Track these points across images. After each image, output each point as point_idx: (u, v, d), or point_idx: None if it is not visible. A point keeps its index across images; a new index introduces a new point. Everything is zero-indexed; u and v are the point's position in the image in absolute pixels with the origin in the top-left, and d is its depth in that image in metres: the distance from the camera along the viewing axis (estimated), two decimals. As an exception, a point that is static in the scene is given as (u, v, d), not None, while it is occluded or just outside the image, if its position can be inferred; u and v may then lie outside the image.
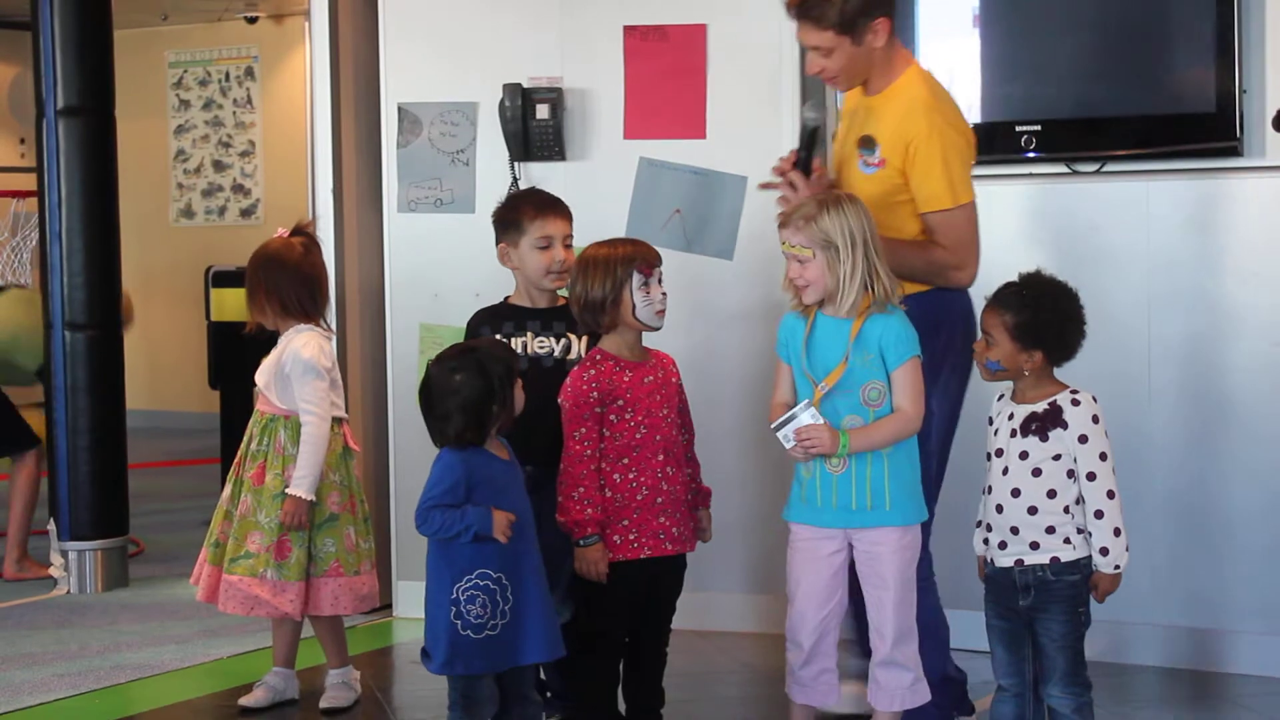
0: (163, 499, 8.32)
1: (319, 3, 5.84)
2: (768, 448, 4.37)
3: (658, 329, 4.13)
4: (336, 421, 4.66)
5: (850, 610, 4.03)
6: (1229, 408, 4.91)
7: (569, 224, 4.35)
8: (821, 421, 3.83)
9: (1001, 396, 3.88)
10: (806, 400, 3.87)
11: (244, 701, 4.71)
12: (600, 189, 5.44)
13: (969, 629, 4.37)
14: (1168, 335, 4.98)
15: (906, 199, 4.13)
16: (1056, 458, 3.73)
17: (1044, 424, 3.74)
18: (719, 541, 4.38)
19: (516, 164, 5.57)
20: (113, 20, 6.37)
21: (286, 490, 4.55)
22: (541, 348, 4.29)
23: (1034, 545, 3.74)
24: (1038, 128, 5.05)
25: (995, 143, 5.09)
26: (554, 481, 4.08)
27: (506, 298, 4.40)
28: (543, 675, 4.29)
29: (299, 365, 4.58)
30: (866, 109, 4.22)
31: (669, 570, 4.18)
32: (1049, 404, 3.75)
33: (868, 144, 4.17)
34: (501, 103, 5.53)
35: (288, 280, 4.65)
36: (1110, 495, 3.72)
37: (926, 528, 4.11)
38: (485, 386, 3.81)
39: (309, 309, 4.67)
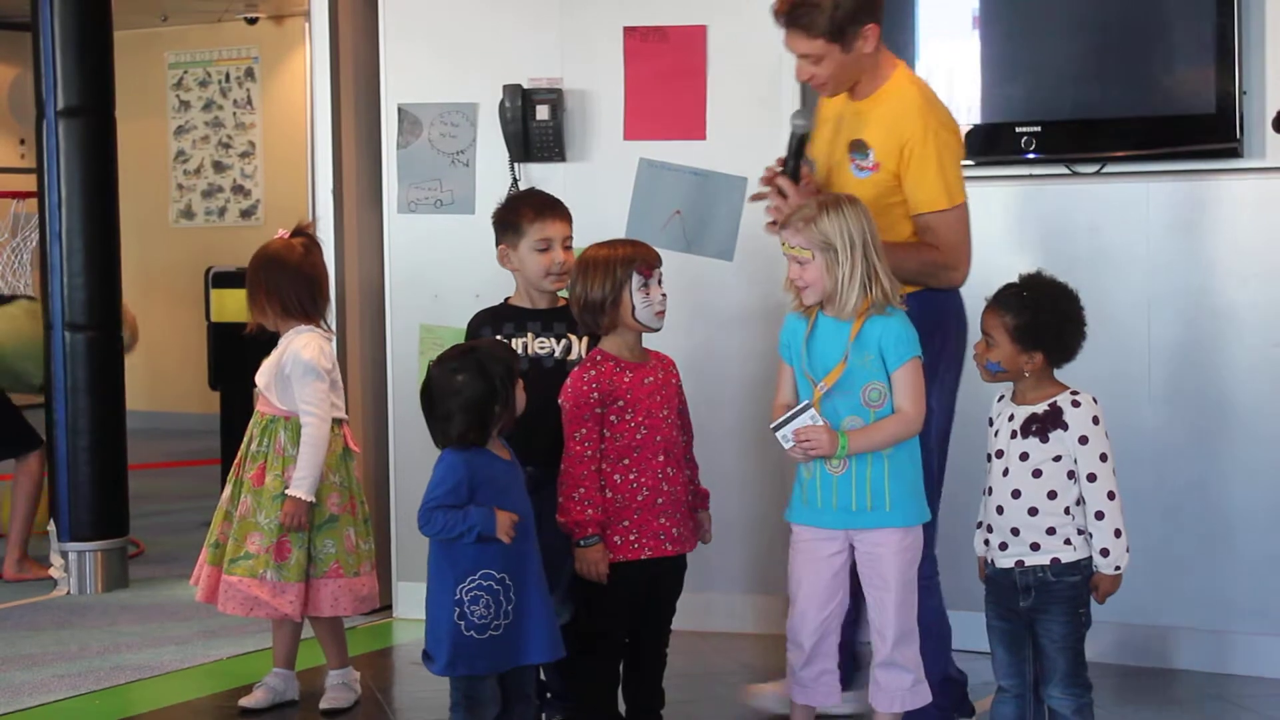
0: (163, 500, 8.32)
1: (319, 4, 5.84)
2: (768, 448, 4.38)
3: (657, 330, 4.13)
4: (336, 423, 4.66)
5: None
6: (1229, 408, 4.92)
7: (569, 226, 4.34)
8: (821, 423, 3.83)
9: (1002, 397, 3.88)
10: (806, 401, 3.87)
11: (244, 702, 4.71)
12: (600, 190, 5.44)
13: (969, 630, 4.37)
14: (1167, 336, 4.98)
15: (899, 201, 4.13)
16: (1057, 459, 3.73)
17: (1044, 425, 3.74)
18: (719, 542, 4.39)
19: (516, 165, 5.57)
20: (113, 21, 6.37)
21: (286, 491, 4.55)
22: (542, 348, 4.29)
23: (1034, 546, 3.74)
24: (1037, 129, 5.05)
25: (995, 144, 5.10)
26: (554, 482, 4.08)
27: (507, 299, 4.40)
28: (543, 676, 4.29)
29: (299, 366, 4.58)
30: (855, 113, 4.21)
31: (669, 571, 4.18)
32: (1049, 405, 3.75)
33: (859, 148, 4.17)
34: (501, 103, 5.53)
35: (288, 281, 4.65)
36: (1111, 496, 3.72)
37: (932, 527, 4.11)
38: (487, 387, 3.81)
39: (309, 310, 4.68)
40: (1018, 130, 5.06)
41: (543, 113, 5.49)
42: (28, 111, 6.85)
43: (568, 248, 4.31)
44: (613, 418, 4.06)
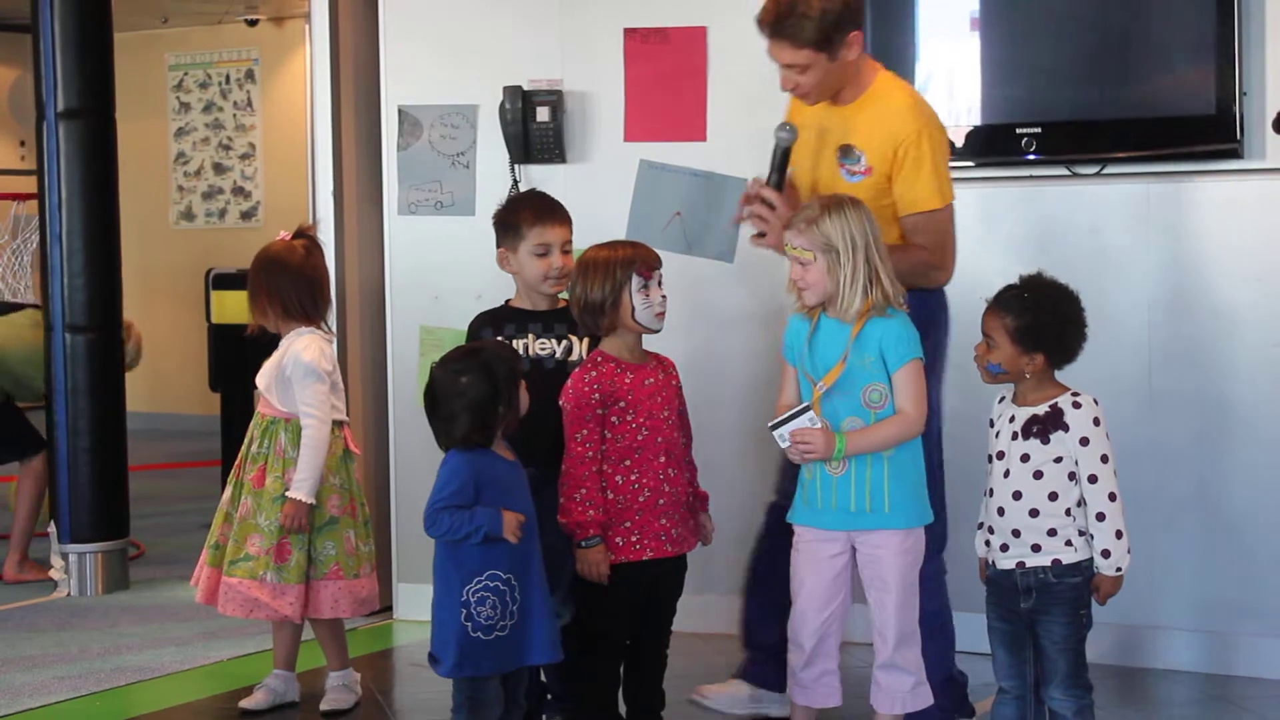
0: (163, 501, 8.32)
1: (319, 5, 5.84)
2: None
3: (657, 331, 4.13)
4: (337, 424, 4.66)
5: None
6: (1230, 409, 4.91)
7: (568, 230, 4.34)
8: (819, 425, 3.83)
9: (1002, 399, 3.88)
10: (806, 403, 3.87)
11: (244, 704, 4.70)
12: (601, 191, 5.44)
13: (970, 631, 4.37)
14: (1168, 337, 4.98)
15: (889, 203, 4.14)
16: (1058, 460, 3.73)
17: (1045, 426, 3.74)
18: (719, 543, 4.39)
19: (517, 166, 5.57)
20: (113, 22, 6.38)
21: (286, 493, 4.55)
22: (543, 349, 4.29)
23: (1035, 547, 3.74)
24: (1038, 130, 5.04)
25: (995, 145, 5.10)
26: (555, 483, 4.08)
27: (507, 300, 4.40)
28: (543, 677, 4.29)
29: (300, 368, 4.58)
30: (840, 119, 4.21)
31: (670, 571, 4.18)
32: (1050, 406, 3.75)
33: (849, 153, 4.17)
34: (502, 105, 5.54)
35: (289, 283, 4.65)
36: (1112, 497, 3.72)
37: (942, 523, 4.12)
38: (490, 388, 3.82)
39: (310, 312, 4.68)
40: (1018, 131, 5.06)
41: (543, 114, 5.49)
42: (28, 113, 6.85)
43: (566, 252, 4.30)
44: (614, 419, 4.06)
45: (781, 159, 4.18)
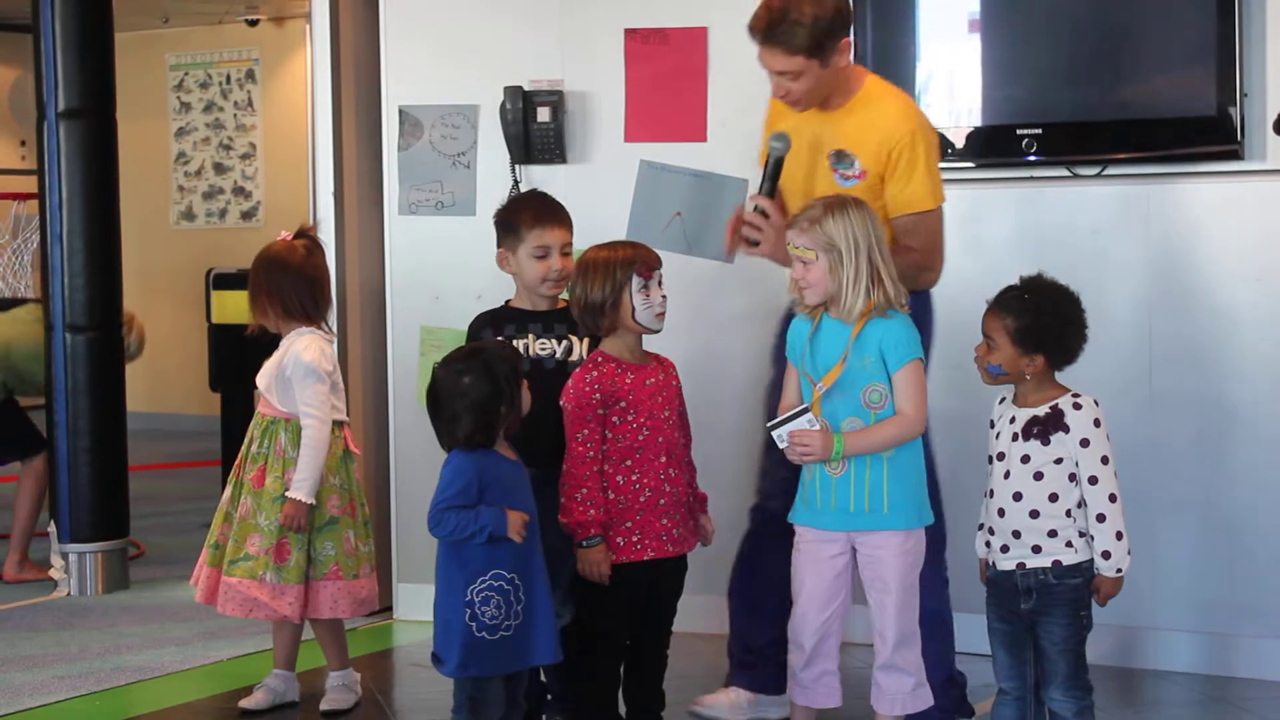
0: (163, 501, 8.32)
1: (320, 5, 5.84)
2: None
3: (657, 331, 4.13)
4: (337, 425, 4.66)
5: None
6: (1230, 410, 4.91)
7: (568, 232, 4.33)
8: (818, 426, 3.83)
9: (1002, 399, 3.88)
10: (806, 404, 3.88)
11: (244, 704, 4.70)
12: (601, 191, 5.44)
13: (970, 632, 4.37)
14: (1169, 338, 4.98)
15: (879, 206, 4.14)
16: (1058, 461, 3.73)
17: (1045, 427, 3.74)
18: (720, 543, 4.39)
19: (517, 166, 5.57)
20: (114, 22, 6.38)
21: (286, 493, 4.55)
22: (543, 350, 4.29)
23: (1036, 549, 3.74)
24: (1038, 131, 5.04)
25: (996, 146, 5.10)
26: (556, 483, 4.08)
27: (508, 301, 4.40)
28: (543, 677, 4.29)
29: (300, 368, 4.58)
30: (831, 124, 4.21)
31: (670, 571, 4.18)
32: (1050, 407, 3.75)
33: (842, 157, 4.18)
34: (502, 105, 5.54)
35: (290, 283, 4.65)
36: (1112, 499, 3.72)
37: (941, 523, 4.12)
38: (493, 388, 3.82)
39: (311, 312, 4.68)
40: (1019, 132, 5.06)
41: (543, 114, 5.49)
42: (29, 113, 6.85)
43: (566, 254, 4.30)
44: (614, 419, 4.06)
45: (774, 168, 4.19)
